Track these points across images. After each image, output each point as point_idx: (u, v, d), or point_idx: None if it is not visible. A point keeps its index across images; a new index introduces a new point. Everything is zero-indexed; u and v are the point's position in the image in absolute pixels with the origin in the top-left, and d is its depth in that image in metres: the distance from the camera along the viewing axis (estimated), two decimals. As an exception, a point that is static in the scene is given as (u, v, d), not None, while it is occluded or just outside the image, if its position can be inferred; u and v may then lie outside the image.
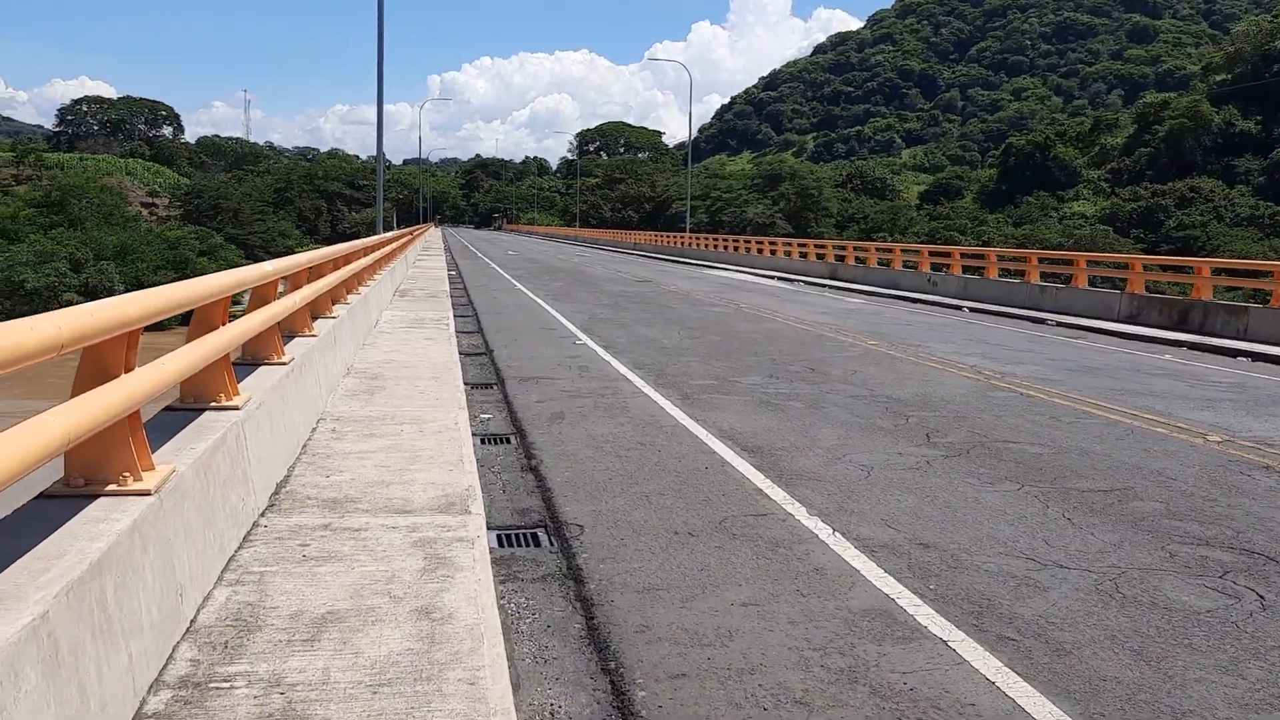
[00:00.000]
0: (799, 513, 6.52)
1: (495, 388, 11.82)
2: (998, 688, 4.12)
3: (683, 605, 4.99)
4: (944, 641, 4.56)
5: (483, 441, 9.06)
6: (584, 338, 16.25)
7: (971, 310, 23.96)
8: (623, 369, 12.89)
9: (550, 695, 4.16)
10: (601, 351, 14.57)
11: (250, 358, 7.94)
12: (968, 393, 11.27)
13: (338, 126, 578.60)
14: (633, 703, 4.01)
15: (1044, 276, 24.79)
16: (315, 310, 11.30)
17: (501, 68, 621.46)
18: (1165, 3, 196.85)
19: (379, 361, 12.41)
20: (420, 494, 6.55)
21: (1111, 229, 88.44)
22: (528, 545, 6.16)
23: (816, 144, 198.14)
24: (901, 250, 32.75)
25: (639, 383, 11.78)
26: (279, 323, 8.03)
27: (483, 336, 16.60)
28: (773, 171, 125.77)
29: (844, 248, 37.01)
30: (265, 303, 7.91)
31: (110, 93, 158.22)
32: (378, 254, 19.17)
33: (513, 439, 9.10)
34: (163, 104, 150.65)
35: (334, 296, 13.09)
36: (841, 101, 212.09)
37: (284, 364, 7.92)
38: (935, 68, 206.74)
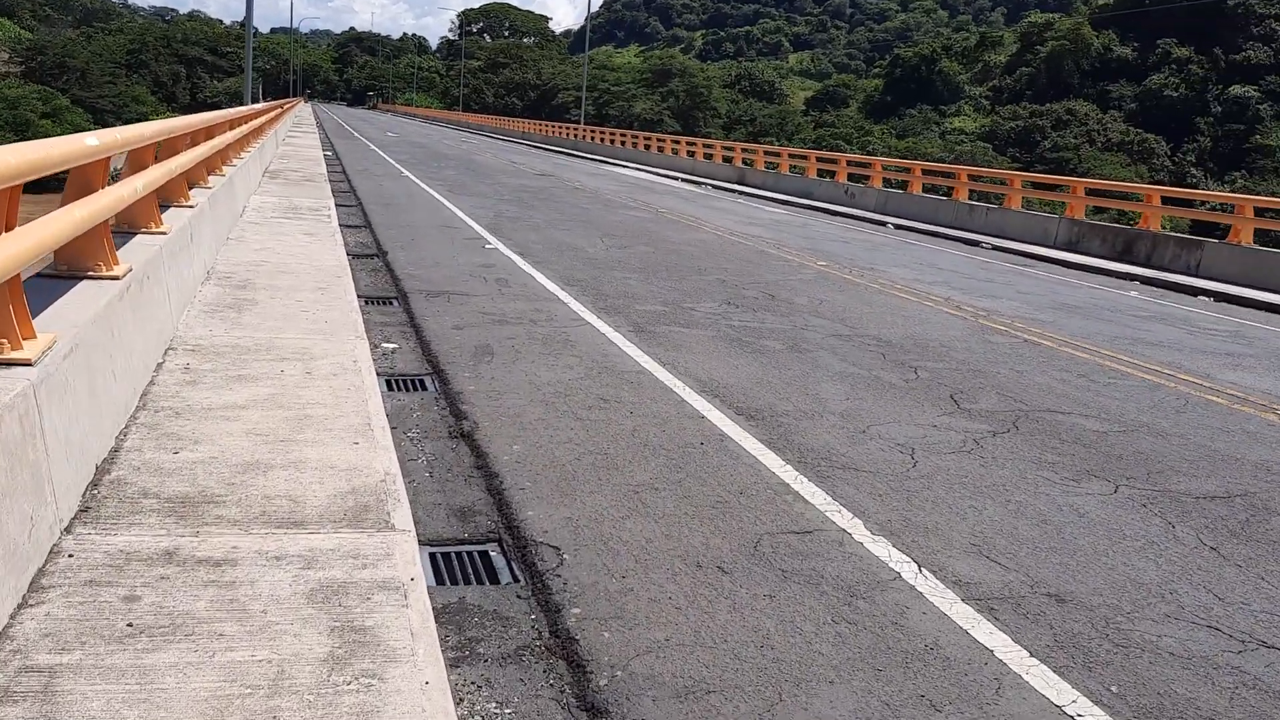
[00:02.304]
0: (856, 529, 4.70)
1: (397, 304, 9.58)
2: None
3: (762, 727, 3.13)
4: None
5: (390, 386, 6.91)
6: (494, 240, 13.97)
7: (897, 227, 22.51)
8: (551, 285, 10.77)
9: None
10: (519, 260, 12.37)
11: (67, 268, 5.56)
12: (963, 335, 9.63)
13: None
14: None
15: (974, 196, 23.47)
16: (166, 196, 8.77)
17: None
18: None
19: (249, 263, 9.96)
20: (316, 488, 4.47)
21: (991, 146, 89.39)
22: (478, 581, 4.15)
23: (705, 41, 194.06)
24: (818, 158, 31.00)
25: (575, 305, 9.71)
26: (108, 220, 5.63)
27: (373, 234, 14.12)
28: (663, 67, 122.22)
29: (754, 151, 35.07)
30: (88, 190, 5.49)
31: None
32: (245, 128, 16.25)
33: (430, 383, 6.98)
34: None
35: (192, 178, 10.49)
36: (732, 0, 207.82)
37: (115, 278, 5.57)
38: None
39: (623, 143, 48.15)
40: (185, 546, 3.82)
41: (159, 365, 6.17)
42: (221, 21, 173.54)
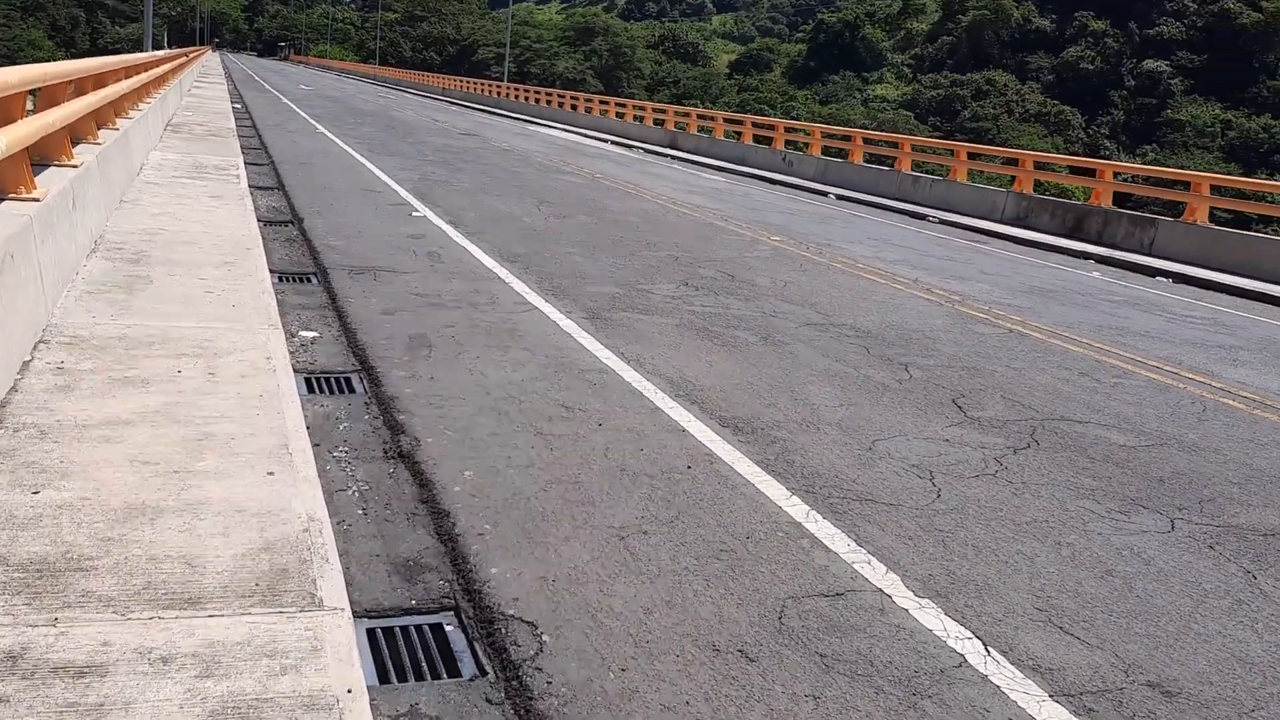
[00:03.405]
0: (894, 588, 3.85)
1: (316, 281, 8.44)
2: None
3: None
4: None
5: (311, 387, 5.85)
6: (421, 207, 12.79)
7: (839, 198, 21.82)
8: (489, 261, 9.71)
9: None
10: (451, 231, 11.25)
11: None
12: (945, 325, 8.88)
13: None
14: None
15: (915, 166, 22.88)
16: (43, 153, 7.50)
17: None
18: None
19: (144, 231, 8.69)
20: (219, 542, 3.47)
21: (912, 115, 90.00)
22: (434, 674, 3.19)
23: (627, 1, 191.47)
24: (753, 124, 30.11)
25: (519, 286, 8.69)
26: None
27: (286, 196, 12.82)
28: (586, 25, 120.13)
29: (686, 115, 34.04)
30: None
31: None
32: (144, 76, 14.69)
33: (358, 382, 5.93)
34: None
35: (78, 133, 9.15)
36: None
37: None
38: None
39: (549, 102, 46.64)
40: (37, 644, 2.80)
41: (25, 364, 5.02)
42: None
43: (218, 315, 6.31)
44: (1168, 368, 8.06)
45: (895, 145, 23.87)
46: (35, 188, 6.16)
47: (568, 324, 7.52)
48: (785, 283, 10.09)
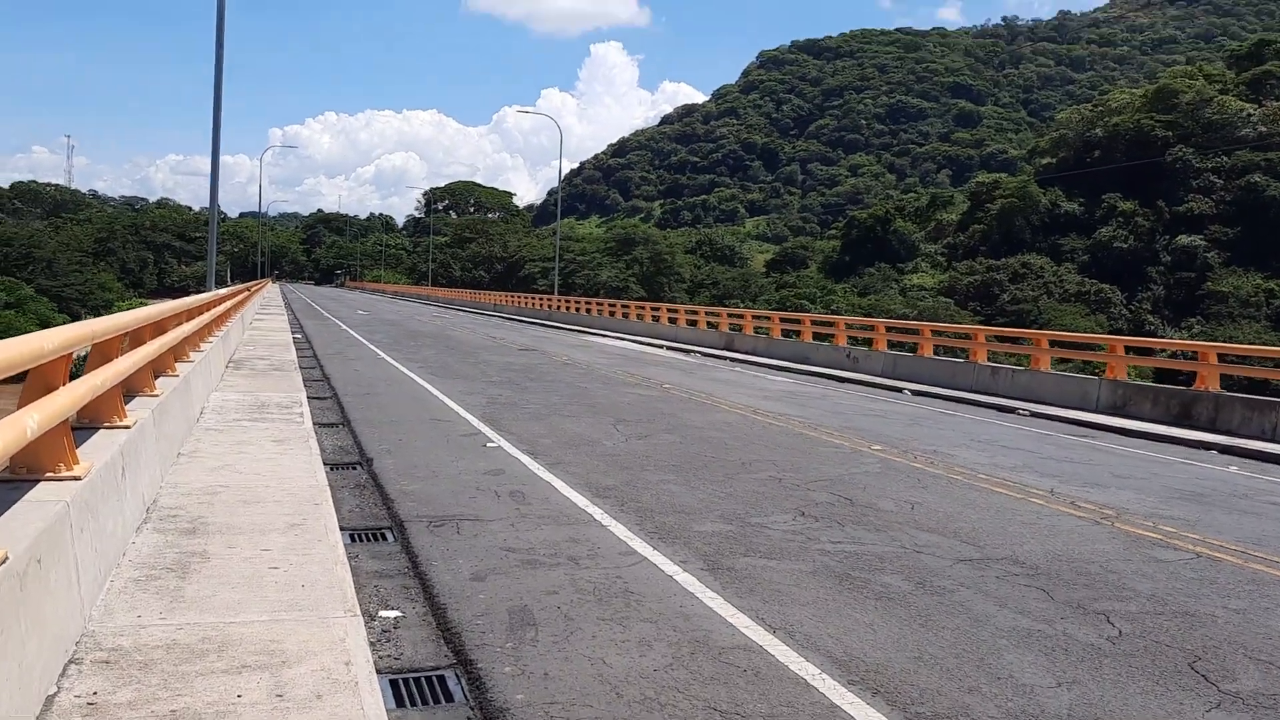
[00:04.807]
0: None
1: (392, 538, 7.44)
2: None
3: None
4: None
5: (400, 697, 4.72)
6: (495, 436, 11.94)
7: (914, 393, 20.84)
8: (577, 498, 8.70)
9: None
10: (530, 462, 10.32)
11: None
12: (1116, 550, 7.62)
13: (169, 177, 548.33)
14: None
15: (992, 356, 21.96)
16: (92, 415, 6.75)
17: (347, 124, 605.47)
18: (988, 90, 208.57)
19: (202, 490, 7.84)
20: None
21: (952, 301, 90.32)
22: None
23: (663, 211, 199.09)
24: (813, 321, 29.64)
25: (618, 530, 7.62)
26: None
27: (352, 433, 12.06)
28: (626, 236, 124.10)
29: (740, 315, 33.75)
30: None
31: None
32: (206, 316, 14.38)
33: (456, 683, 4.80)
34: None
35: (133, 386, 8.49)
36: (687, 170, 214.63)
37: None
38: (777, 142, 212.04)
39: (599, 311, 47.02)
40: None
41: (49, 700, 3.99)
42: (190, 208, 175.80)
43: (285, 601, 5.29)
44: None
45: (968, 336, 23.04)
46: (78, 462, 5.31)
47: (686, 579, 6.40)
48: (912, 504, 8.92)
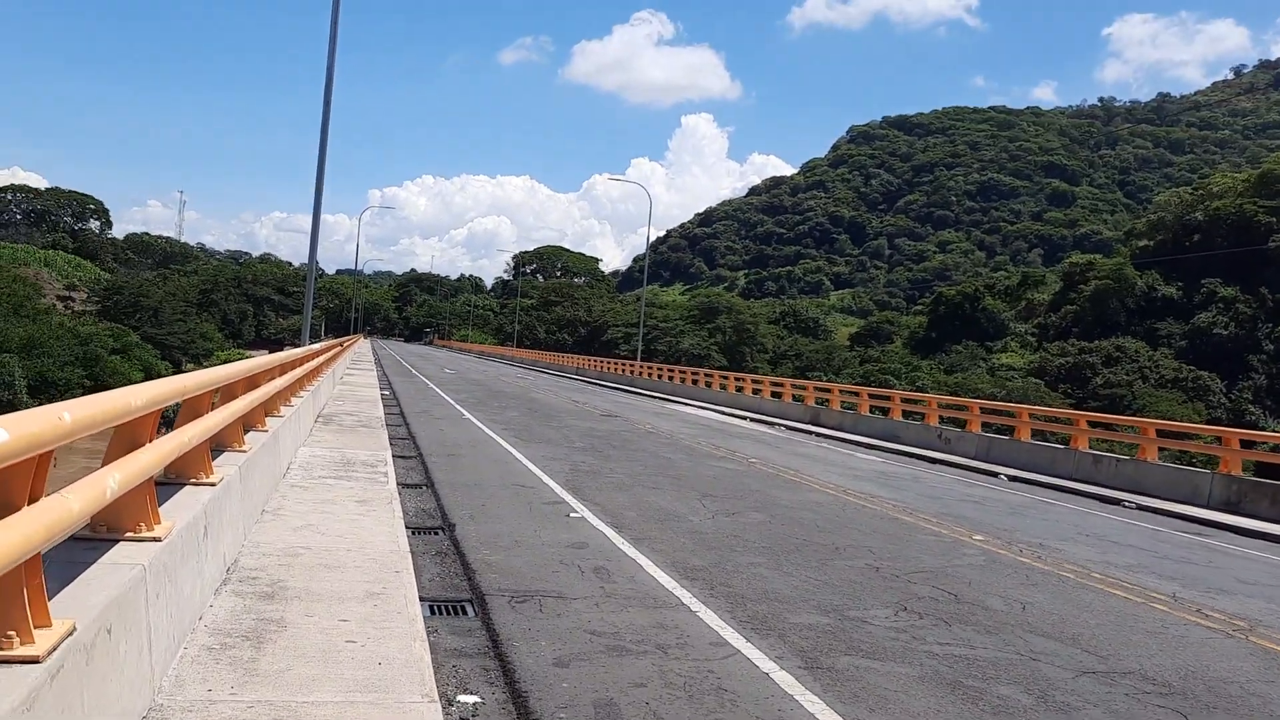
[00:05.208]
0: None
1: (473, 612, 7.13)
2: None
3: None
4: None
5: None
6: (578, 506, 11.62)
7: (1010, 479, 19.96)
8: (664, 579, 8.29)
9: None
10: (614, 536, 9.96)
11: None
12: (1259, 672, 6.90)
13: (272, 233, 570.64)
14: None
15: (1095, 444, 20.97)
16: (179, 471, 6.64)
17: (443, 187, 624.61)
18: (1082, 170, 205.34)
19: (284, 551, 7.66)
20: None
21: (1042, 383, 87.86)
22: None
23: (748, 281, 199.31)
24: (902, 399, 28.87)
25: (709, 617, 7.19)
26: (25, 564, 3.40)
27: (435, 495, 11.87)
28: (710, 304, 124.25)
29: (827, 390, 33.08)
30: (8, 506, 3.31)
31: (40, 184, 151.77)
32: (299, 371, 14.46)
33: (538, 784, 4.42)
34: (91, 197, 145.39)
35: (222, 441, 8.42)
36: (773, 242, 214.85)
37: (35, 659, 3.27)
38: (864, 216, 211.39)
39: (681, 379, 46.71)
40: None
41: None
42: (290, 264, 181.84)
43: (360, 681, 5.00)
44: None
45: (1069, 421, 22.07)
46: (159, 522, 5.14)
47: (784, 679, 5.93)
48: (1023, 604, 8.30)
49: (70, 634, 3.50)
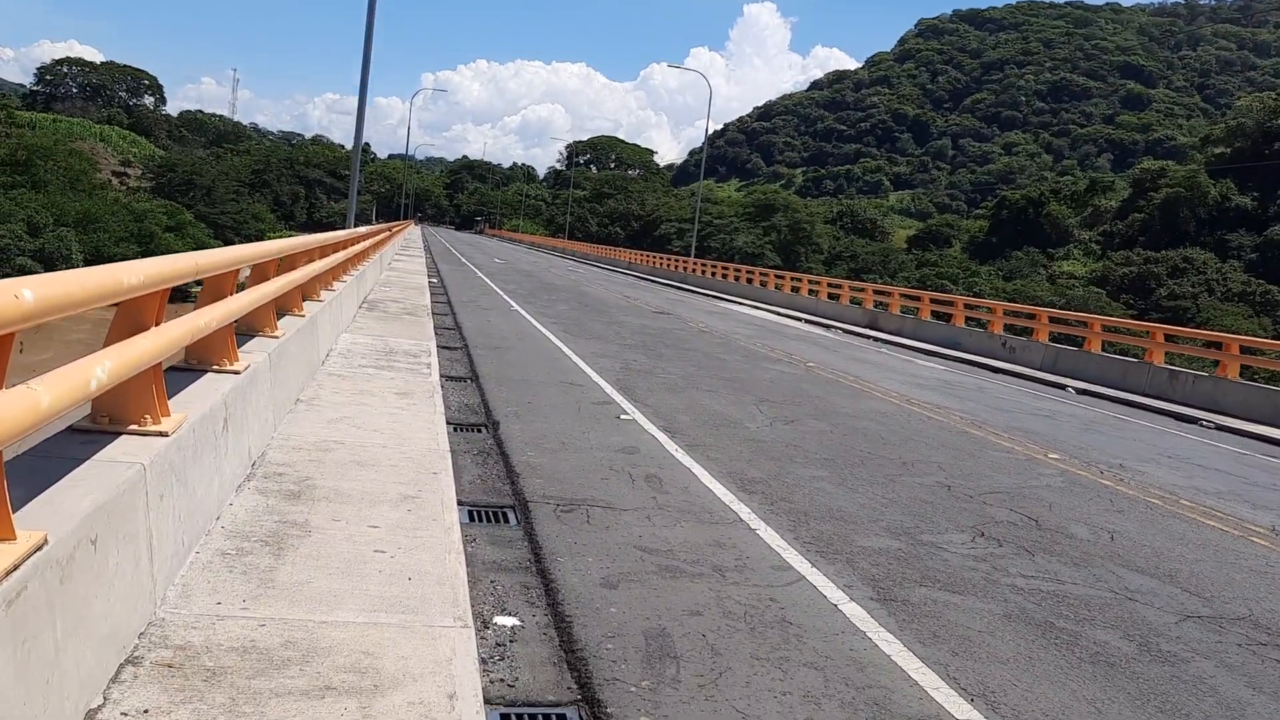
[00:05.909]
0: None
1: (514, 520, 6.62)
2: None
3: None
4: None
5: (515, 739, 3.85)
6: (629, 407, 11.05)
7: (1079, 391, 19.07)
8: (721, 491, 7.71)
9: None
10: (667, 442, 9.38)
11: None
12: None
13: (325, 114, 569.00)
14: None
15: (1171, 359, 19.90)
16: (201, 357, 6.12)
17: (497, 72, 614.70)
18: (1160, 72, 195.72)
19: (315, 445, 7.18)
20: None
21: (1104, 292, 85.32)
22: None
23: (805, 179, 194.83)
24: (965, 305, 27.78)
25: (769, 536, 6.61)
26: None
27: (480, 390, 11.36)
28: (765, 202, 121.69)
29: (887, 293, 32.02)
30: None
31: (97, 58, 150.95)
32: (340, 255, 13.91)
33: (582, 728, 3.91)
34: (146, 73, 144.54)
35: (253, 325, 7.91)
36: (833, 139, 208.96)
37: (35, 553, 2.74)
38: (929, 114, 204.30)
39: (736, 277, 45.71)
40: None
41: (90, 713, 3.26)
42: (343, 146, 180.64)
43: (387, 599, 4.49)
44: None
45: (1145, 334, 20.98)
46: (167, 414, 4.60)
47: (854, 610, 5.35)
48: (1111, 533, 7.62)
49: (38, 549, 2.96)
